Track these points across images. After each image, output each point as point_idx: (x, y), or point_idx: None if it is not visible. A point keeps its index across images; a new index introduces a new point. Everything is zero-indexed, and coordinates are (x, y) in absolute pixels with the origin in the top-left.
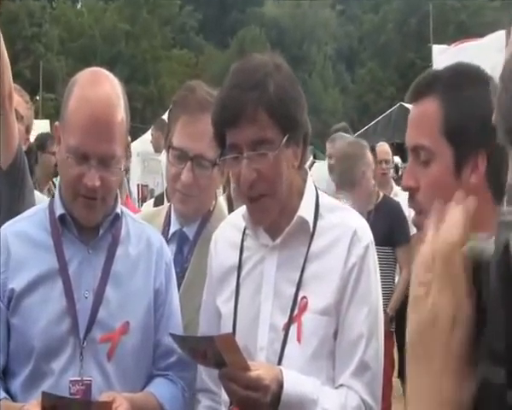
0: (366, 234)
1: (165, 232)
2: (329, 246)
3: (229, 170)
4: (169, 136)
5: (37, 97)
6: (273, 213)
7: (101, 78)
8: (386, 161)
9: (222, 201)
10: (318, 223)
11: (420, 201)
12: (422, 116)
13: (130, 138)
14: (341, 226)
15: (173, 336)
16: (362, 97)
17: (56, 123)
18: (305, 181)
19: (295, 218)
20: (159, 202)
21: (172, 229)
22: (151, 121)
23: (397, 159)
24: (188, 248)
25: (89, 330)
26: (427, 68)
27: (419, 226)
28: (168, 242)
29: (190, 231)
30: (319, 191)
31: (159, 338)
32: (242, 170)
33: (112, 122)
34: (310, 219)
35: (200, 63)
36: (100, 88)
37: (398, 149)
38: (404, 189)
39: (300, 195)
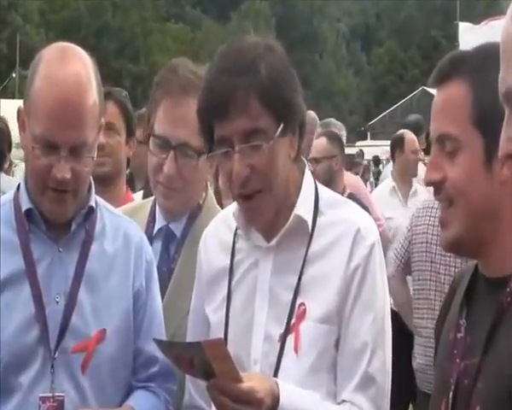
0: (371, 232)
1: (149, 229)
2: (330, 246)
3: (219, 166)
4: (150, 122)
5: (14, 75)
6: (269, 211)
7: (70, 54)
8: (413, 151)
9: (212, 194)
10: (318, 220)
11: (450, 193)
12: (449, 102)
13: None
14: (343, 223)
15: (157, 341)
16: (379, 80)
17: (20, 106)
18: (302, 173)
19: (292, 217)
20: (149, 192)
21: (158, 225)
22: (141, 103)
23: None
24: (175, 246)
25: (60, 338)
26: (453, 49)
27: (447, 223)
28: (153, 239)
29: (177, 228)
30: (319, 185)
31: (139, 345)
32: (234, 166)
33: (82, 106)
34: (308, 217)
35: (197, 39)
36: (68, 66)
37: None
38: (428, 183)
39: (298, 189)
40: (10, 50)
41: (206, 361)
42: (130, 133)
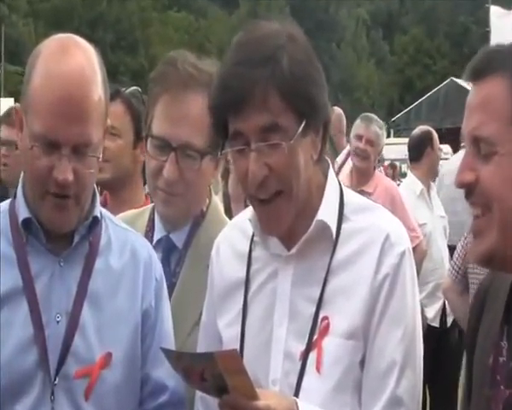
0: (401, 239)
1: (147, 239)
2: (356, 254)
3: (234, 165)
4: (147, 121)
5: None
6: (288, 216)
7: (72, 46)
8: (439, 149)
9: (217, 200)
10: (343, 227)
11: (483, 196)
12: (486, 100)
13: None
14: (371, 230)
15: (165, 351)
16: (403, 71)
17: (17, 105)
18: (326, 176)
19: (314, 222)
20: None
21: (157, 235)
22: None
23: (446, 148)
24: (176, 258)
25: (61, 363)
26: (484, 35)
27: (479, 233)
28: (155, 244)
29: (179, 239)
30: (344, 187)
31: (147, 372)
32: (250, 165)
33: (86, 101)
34: (332, 222)
35: (203, 29)
36: (70, 59)
37: (448, 137)
38: (460, 184)
39: (321, 193)
40: None
41: (219, 375)
42: (139, 135)
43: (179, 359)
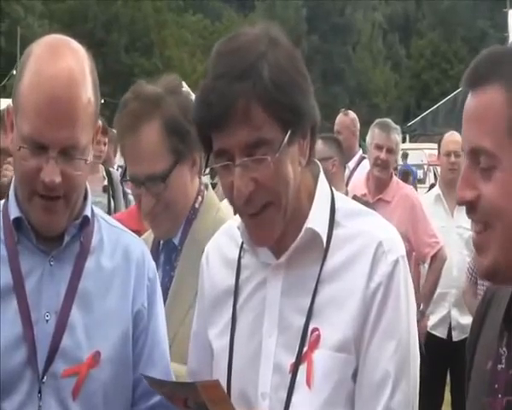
0: (395, 246)
1: (154, 245)
2: (348, 262)
3: (220, 180)
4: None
5: (14, 72)
6: (279, 227)
7: (62, 48)
8: (456, 154)
9: (212, 194)
10: (334, 233)
11: (485, 213)
12: (484, 110)
13: None
14: (363, 237)
15: (147, 378)
16: (420, 76)
17: (9, 104)
18: (316, 180)
19: (303, 230)
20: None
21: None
22: None
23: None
24: (175, 255)
25: (50, 361)
26: (502, 40)
27: (482, 248)
28: (159, 254)
29: (176, 237)
30: (337, 192)
31: (140, 373)
32: (235, 181)
33: (74, 104)
34: (322, 230)
35: (218, 32)
36: (60, 61)
37: None
38: (461, 202)
39: (311, 199)
40: (10, 45)
41: (202, 403)
42: None
43: (162, 386)
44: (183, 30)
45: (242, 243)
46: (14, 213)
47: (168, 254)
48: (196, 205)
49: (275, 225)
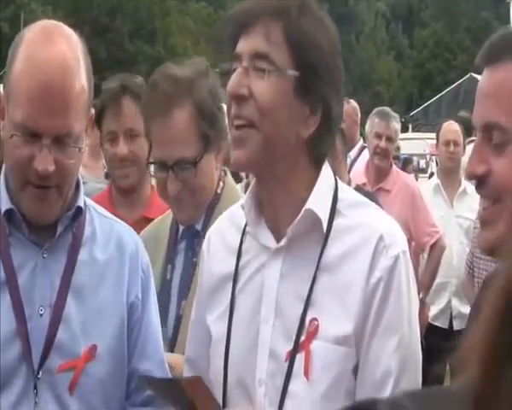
0: (397, 240)
1: (173, 232)
2: (348, 254)
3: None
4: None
5: None
6: (255, 148)
7: (55, 33)
8: (455, 143)
9: (232, 181)
10: (335, 222)
11: (496, 188)
12: (500, 87)
13: None
14: (364, 229)
15: (142, 377)
16: (423, 66)
17: (0, 91)
18: (319, 166)
19: (303, 211)
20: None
21: (182, 226)
22: None
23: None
24: (198, 241)
25: (45, 356)
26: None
27: (489, 222)
28: (179, 241)
29: (199, 223)
30: (341, 184)
31: (134, 366)
32: (233, 81)
33: (68, 91)
34: (323, 215)
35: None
36: (53, 47)
37: (468, 132)
38: (470, 175)
39: (311, 185)
40: (13, 31)
41: (188, 399)
42: None
43: (151, 384)
44: (186, 17)
45: (245, 228)
46: (5, 204)
47: (190, 239)
48: (218, 190)
49: (250, 144)
